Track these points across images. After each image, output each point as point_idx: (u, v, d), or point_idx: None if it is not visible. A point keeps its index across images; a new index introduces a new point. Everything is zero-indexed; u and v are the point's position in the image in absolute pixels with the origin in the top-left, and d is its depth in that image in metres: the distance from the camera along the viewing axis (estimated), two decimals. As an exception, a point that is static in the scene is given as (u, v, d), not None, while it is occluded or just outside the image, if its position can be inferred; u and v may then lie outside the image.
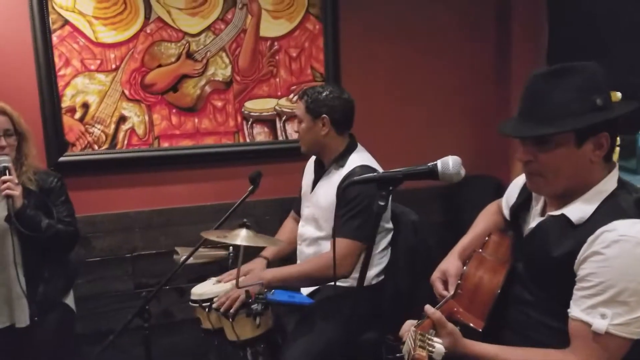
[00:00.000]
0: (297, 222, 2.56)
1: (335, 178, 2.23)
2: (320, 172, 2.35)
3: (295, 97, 2.96)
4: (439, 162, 1.30)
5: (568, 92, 1.33)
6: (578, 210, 1.35)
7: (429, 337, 1.25)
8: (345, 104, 2.27)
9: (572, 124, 1.31)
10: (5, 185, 2.00)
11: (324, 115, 2.22)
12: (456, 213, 3.34)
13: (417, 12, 3.23)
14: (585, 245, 1.29)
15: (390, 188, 1.33)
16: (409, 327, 1.43)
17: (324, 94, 2.24)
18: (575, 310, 1.30)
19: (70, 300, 2.32)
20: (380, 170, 2.23)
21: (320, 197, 2.28)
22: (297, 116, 2.30)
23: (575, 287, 1.31)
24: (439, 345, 1.22)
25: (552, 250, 1.36)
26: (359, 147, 2.32)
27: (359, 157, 2.24)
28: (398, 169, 1.33)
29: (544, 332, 1.40)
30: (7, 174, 2.04)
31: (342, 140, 2.28)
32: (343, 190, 2.09)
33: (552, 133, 1.33)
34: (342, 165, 2.23)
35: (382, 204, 1.32)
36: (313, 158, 2.44)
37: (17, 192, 2.03)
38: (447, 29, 3.30)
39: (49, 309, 2.18)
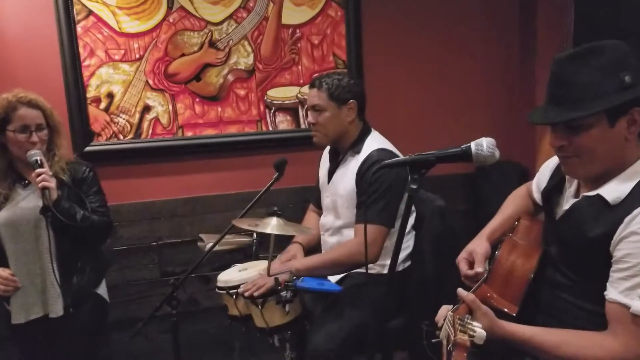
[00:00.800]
0: (317, 213, 2.57)
1: (352, 165, 2.22)
2: (335, 162, 2.34)
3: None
4: (473, 144, 1.29)
5: (594, 73, 1.31)
6: (614, 190, 1.33)
7: (469, 321, 1.24)
8: (363, 89, 2.28)
9: (602, 105, 1.29)
10: (40, 178, 1.99)
11: (352, 100, 2.21)
12: (480, 200, 3.31)
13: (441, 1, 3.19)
14: (621, 226, 1.27)
15: (423, 171, 1.32)
16: (445, 312, 1.42)
17: (345, 80, 2.22)
18: (613, 292, 1.28)
19: (102, 291, 2.32)
20: (397, 151, 2.22)
21: (339, 185, 2.27)
22: (314, 106, 2.23)
23: (612, 268, 1.29)
24: (480, 330, 1.21)
25: (587, 231, 1.34)
26: (373, 131, 2.30)
27: (375, 141, 2.23)
28: (430, 152, 1.31)
29: (579, 316, 1.39)
30: (40, 166, 2.02)
31: (359, 126, 2.27)
32: (363, 175, 2.10)
33: (582, 116, 1.31)
34: (358, 152, 2.22)
35: (414, 187, 1.31)
36: (327, 148, 2.43)
37: (52, 184, 2.02)
38: (471, 16, 3.25)
39: (83, 299, 2.18)
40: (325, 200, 2.39)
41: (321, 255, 2.25)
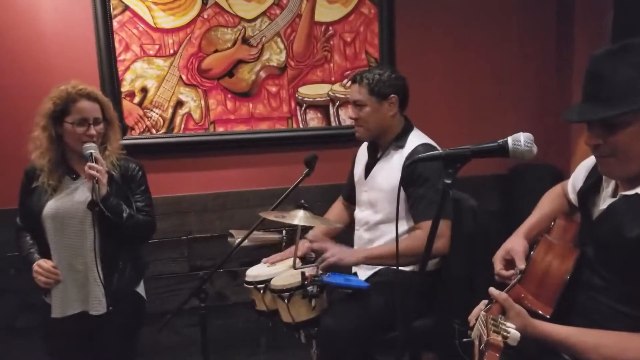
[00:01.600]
0: (345, 206, 2.56)
1: (396, 159, 2.21)
2: (374, 157, 2.33)
3: (348, 83, 2.93)
4: (510, 139, 1.26)
5: (631, 70, 1.28)
6: None
7: (502, 322, 1.21)
8: (406, 83, 2.26)
9: (637, 102, 1.26)
10: (93, 172, 1.97)
11: (393, 95, 2.20)
12: (512, 202, 3.25)
13: (475, 2, 3.15)
14: None
15: (458, 165, 1.29)
16: (478, 312, 1.40)
17: (387, 75, 2.22)
18: None
19: (141, 289, 2.30)
20: (439, 148, 2.19)
21: (382, 180, 2.26)
22: (355, 101, 2.24)
23: None
24: (513, 331, 1.18)
25: (626, 231, 1.30)
26: (415, 128, 2.30)
27: (418, 138, 2.23)
28: (466, 146, 1.29)
29: (616, 319, 1.34)
30: (94, 161, 2.00)
31: (401, 121, 2.27)
32: (407, 168, 2.08)
33: (617, 114, 1.28)
34: (402, 146, 2.21)
35: (448, 182, 1.28)
36: (365, 144, 2.42)
37: (104, 179, 2.00)
38: (507, 13, 3.20)
39: (123, 298, 2.14)
40: (362, 195, 2.37)
41: (385, 247, 2.20)
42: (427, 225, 2.04)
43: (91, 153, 2.02)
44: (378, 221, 2.27)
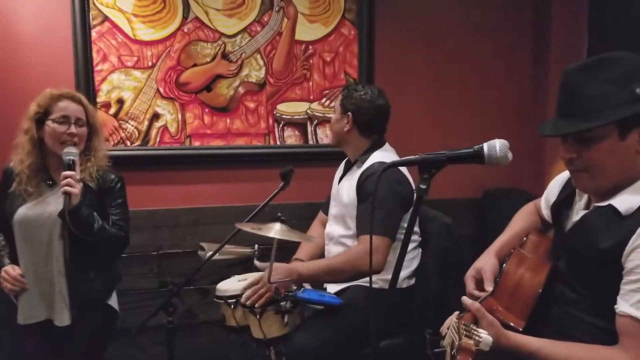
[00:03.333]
0: (323, 224, 2.55)
1: (356, 175, 2.23)
2: (346, 171, 2.36)
3: (327, 102, 3.00)
4: (485, 145, 1.26)
5: (605, 84, 1.28)
6: (626, 201, 1.30)
7: (474, 327, 1.19)
8: (376, 110, 2.26)
9: (611, 116, 1.27)
10: (66, 181, 1.92)
11: (349, 112, 2.25)
12: (486, 226, 3.27)
13: (453, 17, 3.21)
14: (634, 236, 1.24)
15: (433, 171, 1.28)
16: (450, 323, 1.38)
17: (358, 94, 2.26)
18: (624, 305, 1.23)
19: (113, 302, 2.23)
20: (404, 169, 2.20)
21: (343, 194, 2.28)
22: (333, 107, 2.39)
23: (623, 280, 1.25)
24: (485, 336, 1.16)
25: (598, 242, 1.30)
26: (386, 146, 2.32)
27: (382, 155, 2.24)
28: (441, 151, 1.28)
29: (589, 332, 1.34)
30: (70, 169, 1.96)
31: (366, 141, 2.29)
32: (362, 185, 2.10)
33: (591, 127, 1.28)
34: (364, 162, 2.24)
35: (423, 187, 1.28)
36: (346, 159, 2.44)
37: (76, 189, 1.94)
38: (483, 33, 3.26)
39: (92, 309, 2.10)
40: (332, 210, 2.39)
41: (325, 260, 2.22)
42: (364, 239, 2.06)
43: (70, 160, 1.98)
44: (342, 235, 2.28)
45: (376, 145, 2.28)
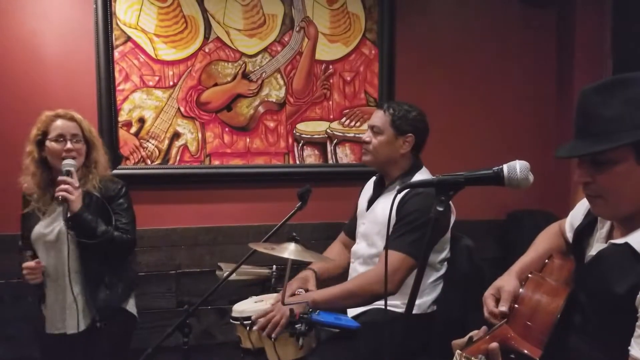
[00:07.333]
0: (345, 244, 2.49)
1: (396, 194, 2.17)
2: (379, 190, 2.31)
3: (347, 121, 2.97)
4: (505, 166, 1.21)
5: (622, 105, 1.23)
6: None
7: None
8: (427, 127, 2.27)
9: (626, 139, 1.21)
10: (62, 187, 2.04)
11: (410, 134, 2.20)
12: (510, 249, 3.19)
13: (475, 39, 3.18)
14: None
15: (451, 193, 1.24)
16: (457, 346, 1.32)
17: (413, 114, 2.22)
18: (636, 349, 1.16)
19: (131, 307, 2.31)
20: None
21: (379, 212, 2.22)
22: (374, 126, 2.23)
23: (638, 323, 1.18)
24: None
25: (613, 283, 1.23)
26: (424, 167, 2.28)
27: (423, 176, 2.20)
28: (460, 172, 1.24)
29: None
30: (70, 177, 2.07)
31: (411, 162, 2.25)
32: (404, 204, 2.04)
33: (604, 149, 1.22)
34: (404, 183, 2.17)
35: (440, 209, 1.23)
36: (373, 178, 2.40)
37: (73, 196, 2.05)
38: (506, 54, 3.23)
39: (111, 315, 2.18)
40: (361, 228, 2.33)
41: (340, 286, 2.16)
42: (389, 254, 1.99)
43: (68, 170, 2.08)
44: (372, 254, 2.22)
45: (418, 166, 2.26)
